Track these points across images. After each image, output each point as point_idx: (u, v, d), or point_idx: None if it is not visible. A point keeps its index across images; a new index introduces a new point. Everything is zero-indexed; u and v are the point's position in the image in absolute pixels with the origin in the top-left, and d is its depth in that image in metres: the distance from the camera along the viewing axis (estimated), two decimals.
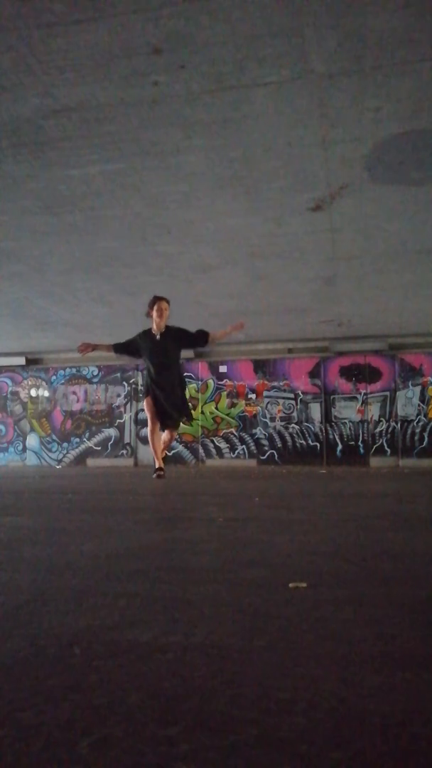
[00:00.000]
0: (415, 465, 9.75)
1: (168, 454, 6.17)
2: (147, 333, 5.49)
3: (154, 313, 5.35)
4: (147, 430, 5.50)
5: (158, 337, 5.37)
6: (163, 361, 5.36)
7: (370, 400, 10.38)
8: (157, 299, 5.39)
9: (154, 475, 5.31)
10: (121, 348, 5.65)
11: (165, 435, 5.57)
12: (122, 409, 11.38)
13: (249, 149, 3.88)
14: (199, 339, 5.44)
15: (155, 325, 5.39)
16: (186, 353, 5.93)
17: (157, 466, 5.36)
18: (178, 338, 5.45)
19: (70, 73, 3.10)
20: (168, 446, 6.13)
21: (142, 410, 11.30)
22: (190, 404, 5.92)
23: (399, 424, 10.19)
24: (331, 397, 10.51)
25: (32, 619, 0.95)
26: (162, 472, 5.31)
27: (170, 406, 5.35)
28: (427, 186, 4.43)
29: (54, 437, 11.64)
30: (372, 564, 1.35)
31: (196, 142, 3.79)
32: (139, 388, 11.29)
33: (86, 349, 5.50)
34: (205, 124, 3.58)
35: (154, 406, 5.35)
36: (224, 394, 10.93)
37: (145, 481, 5.11)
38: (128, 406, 11.37)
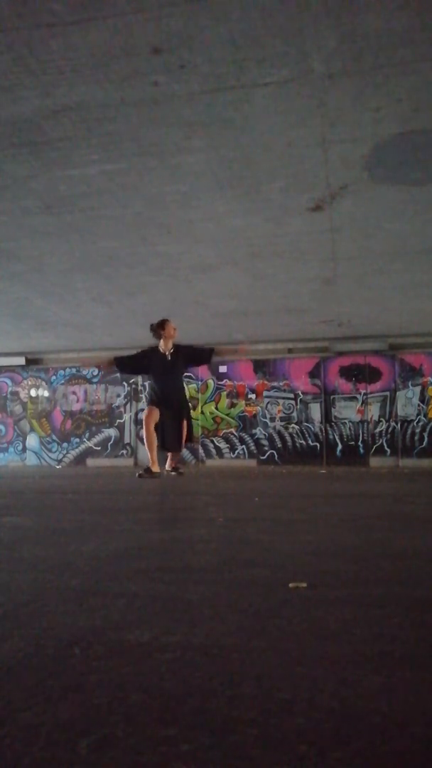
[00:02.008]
0: (415, 465, 9.75)
1: (180, 471, 6.11)
2: (155, 351, 5.66)
3: (164, 333, 5.59)
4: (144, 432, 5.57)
5: (168, 356, 5.59)
6: (172, 378, 5.61)
7: (370, 400, 10.37)
8: (165, 321, 5.65)
9: (137, 474, 5.38)
10: (123, 363, 5.81)
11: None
12: (122, 409, 11.37)
13: (249, 149, 3.88)
14: (206, 355, 5.81)
15: (164, 344, 5.60)
16: None
17: (146, 468, 5.41)
18: (186, 356, 5.71)
19: (70, 73, 3.10)
20: (177, 459, 6.15)
21: (143, 410, 11.36)
22: (191, 423, 6.01)
23: (399, 424, 10.19)
24: (331, 397, 10.51)
25: (32, 619, 0.95)
26: (148, 475, 5.31)
27: (170, 434, 5.51)
28: (427, 186, 4.42)
29: (54, 437, 11.64)
30: (372, 564, 1.35)
31: (196, 142, 3.79)
32: (139, 388, 11.29)
33: (104, 367, 6.07)
34: (205, 124, 3.58)
35: (155, 416, 5.45)
36: (224, 394, 10.92)
37: (145, 481, 5.10)
38: (128, 406, 11.36)
